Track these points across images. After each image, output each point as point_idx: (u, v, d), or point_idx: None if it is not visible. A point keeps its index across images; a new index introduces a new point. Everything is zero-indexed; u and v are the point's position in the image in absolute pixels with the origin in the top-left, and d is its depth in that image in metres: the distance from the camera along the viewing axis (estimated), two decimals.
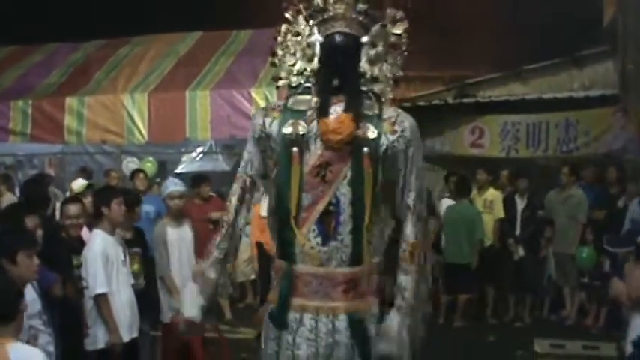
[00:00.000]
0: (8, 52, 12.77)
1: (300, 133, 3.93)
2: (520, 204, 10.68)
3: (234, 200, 4.22)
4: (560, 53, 14.13)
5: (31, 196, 7.07)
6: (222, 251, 4.29)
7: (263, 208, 9.70)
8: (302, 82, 4.12)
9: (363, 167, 3.87)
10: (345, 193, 3.90)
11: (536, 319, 10.63)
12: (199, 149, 15.13)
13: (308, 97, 4.05)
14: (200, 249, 9.77)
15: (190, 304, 4.24)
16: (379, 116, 3.97)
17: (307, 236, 3.92)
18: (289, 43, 4.20)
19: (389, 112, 4.03)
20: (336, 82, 3.96)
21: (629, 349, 4.97)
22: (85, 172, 12.43)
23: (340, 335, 3.92)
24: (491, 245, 10.58)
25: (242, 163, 4.28)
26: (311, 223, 3.92)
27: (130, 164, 12.94)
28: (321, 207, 3.91)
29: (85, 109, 10.34)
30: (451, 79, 15.34)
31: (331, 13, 4.00)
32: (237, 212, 4.23)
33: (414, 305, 3.98)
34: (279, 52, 4.22)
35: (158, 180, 13.53)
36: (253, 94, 9.96)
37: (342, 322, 3.93)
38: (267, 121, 4.08)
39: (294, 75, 4.15)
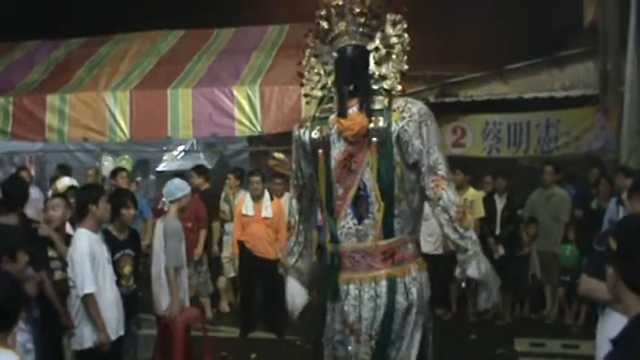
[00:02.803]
0: None
1: (325, 134, 4.63)
2: (499, 203, 10.69)
3: (294, 203, 5.05)
4: (541, 53, 14.18)
5: (10, 194, 7.01)
6: (299, 245, 5.05)
7: (246, 206, 9.76)
8: (325, 94, 4.85)
9: (378, 154, 4.49)
10: (368, 177, 4.52)
11: (517, 317, 10.64)
12: (181, 147, 15.13)
13: (331, 105, 4.72)
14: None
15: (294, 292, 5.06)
16: (389, 108, 4.55)
17: (345, 219, 4.59)
18: (312, 64, 4.95)
19: (398, 102, 4.59)
20: (351, 88, 4.61)
21: (604, 347, 4.98)
22: (64, 170, 12.38)
23: (381, 299, 4.51)
24: None
25: (293, 171, 5.04)
26: (346, 207, 4.59)
27: (106, 162, 12.89)
28: (352, 193, 4.56)
29: (67, 107, 10.32)
30: (433, 78, 15.36)
31: (336, 31, 4.70)
32: (299, 212, 5.03)
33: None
34: (306, 74, 4.98)
35: (138, 178, 13.55)
36: (235, 93, 9.98)
37: (382, 287, 4.52)
38: (302, 131, 4.79)
39: (319, 90, 4.91)
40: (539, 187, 10.92)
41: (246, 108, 9.94)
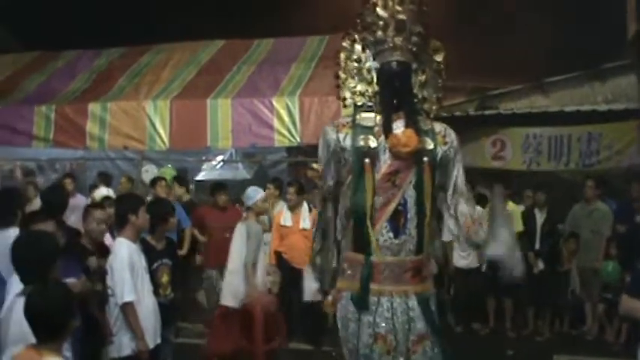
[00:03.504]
0: (32, 58, 12.88)
1: (371, 146, 4.67)
2: (539, 217, 10.58)
3: (319, 205, 5.18)
4: (583, 66, 14.04)
5: (50, 202, 7.06)
6: (318, 244, 5.13)
7: (284, 217, 9.75)
8: (365, 101, 4.88)
9: (424, 173, 4.64)
10: (411, 195, 4.64)
11: (557, 333, 10.50)
12: (220, 157, 15.12)
13: (371, 114, 4.79)
14: (216, 255, 9.89)
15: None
16: (432, 131, 4.76)
17: (381, 231, 4.64)
18: (349, 68, 4.98)
19: (438, 126, 4.82)
20: (395, 102, 4.70)
21: None
22: (104, 178, 12.48)
23: (414, 312, 4.65)
24: None
25: (325, 176, 4.99)
26: (384, 220, 4.64)
27: (148, 171, 12.95)
28: (392, 207, 4.64)
29: (108, 115, 10.40)
30: (473, 89, 15.28)
31: (390, 44, 4.71)
32: (324, 209, 5.08)
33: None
34: (342, 76, 5.00)
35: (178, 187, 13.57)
36: (274, 103, 9.98)
37: (413, 301, 4.67)
38: (341, 136, 4.78)
39: (358, 95, 4.92)
40: (580, 202, 10.78)
41: (286, 119, 9.94)
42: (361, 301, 4.71)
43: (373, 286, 4.68)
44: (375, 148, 4.67)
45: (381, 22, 4.74)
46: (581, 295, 10.59)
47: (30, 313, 3.90)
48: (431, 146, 4.67)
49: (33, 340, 3.94)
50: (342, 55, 5.02)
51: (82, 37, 13.47)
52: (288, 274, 9.55)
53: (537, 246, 10.52)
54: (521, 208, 10.72)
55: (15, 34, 18.53)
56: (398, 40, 4.69)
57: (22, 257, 4.57)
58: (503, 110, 13.13)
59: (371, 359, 4.66)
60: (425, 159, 4.63)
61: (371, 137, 4.69)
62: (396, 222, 4.63)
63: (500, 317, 10.68)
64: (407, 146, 4.55)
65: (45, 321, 3.89)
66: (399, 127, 4.63)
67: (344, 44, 5.05)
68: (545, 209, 10.63)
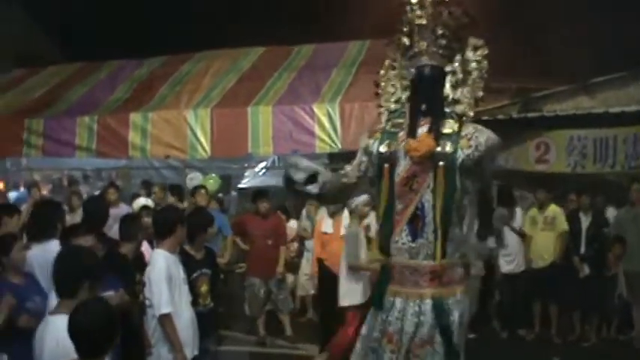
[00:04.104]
0: (75, 69, 13.01)
1: (393, 150, 4.79)
2: (585, 221, 10.42)
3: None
4: (629, 66, 13.79)
5: (91, 213, 7.10)
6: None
7: (325, 223, 9.72)
8: (398, 108, 4.99)
9: (439, 178, 4.63)
10: (428, 199, 4.68)
11: (603, 339, 10.33)
12: (262, 164, 15.16)
13: (401, 120, 4.90)
14: (258, 263, 9.90)
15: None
16: (458, 134, 4.70)
17: (400, 234, 4.74)
18: (390, 76, 5.10)
19: (468, 129, 4.75)
20: (423, 107, 4.75)
21: None
22: (147, 186, 12.58)
23: (425, 317, 4.64)
24: (554, 262, 10.34)
25: (351, 167, 5.18)
26: (403, 224, 4.73)
27: (193, 180, 13.02)
28: (410, 211, 4.72)
29: (149, 125, 10.44)
30: (517, 91, 15.09)
31: (416, 49, 4.80)
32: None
33: None
34: (382, 84, 5.13)
35: (220, 194, 13.64)
36: (315, 110, 9.94)
37: (427, 305, 4.67)
38: (371, 141, 4.97)
39: (393, 102, 5.04)
40: (625, 205, 10.59)
41: (327, 125, 9.90)
42: (377, 300, 4.90)
43: (391, 287, 4.81)
44: (395, 153, 4.79)
45: (405, 29, 4.87)
46: (629, 300, 10.41)
47: (73, 331, 3.90)
48: (449, 149, 4.66)
49: (68, 357, 3.95)
50: (386, 63, 5.15)
51: (124, 48, 13.58)
52: (330, 281, 9.49)
53: (582, 250, 10.35)
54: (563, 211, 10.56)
55: (59, 45, 18.79)
56: (423, 45, 4.77)
57: (59, 272, 4.57)
58: (546, 112, 12.94)
59: (377, 353, 4.79)
60: (440, 163, 4.63)
61: (394, 142, 4.83)
62: (415, 226, 4.72)
63: (545, 323, 10.53)
64: (417, 151, 4.63)
65: (89, 338, 3.88)
66: (423, 131, 4.71)
67: (388, 52, 5.15)
68: (590, 213, 10.46)
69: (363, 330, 4.97)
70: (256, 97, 10.48)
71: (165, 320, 6.00)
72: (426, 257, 4.70)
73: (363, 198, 8.35)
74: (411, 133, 4.72)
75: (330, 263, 9.51)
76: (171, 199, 11.34)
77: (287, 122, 10.07)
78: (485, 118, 12.49)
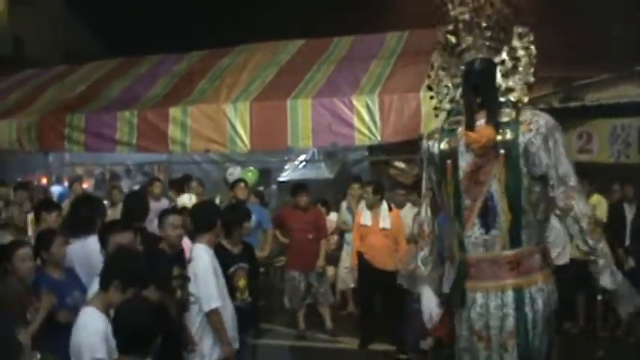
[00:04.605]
0: (115, 64, 13.12)
1: (453, 146, 4.79)
2: (629, 212, 10.20)
3: (428, 212, 5.15)
4: None
5: (130, 208, 7.11)
6: (433, 255, 5.14)
7: (364, 216, 9.66)
8: (454, 107, 5.00)
9: (503, 166, 4.61)
10: (496, 188, 4.64)
11: None
12: (302, 157, 15.14)
13: (459, 117, 4.88)
14: (298, 256, 9.88)
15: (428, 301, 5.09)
16: (516, 120, 4.66)
17: (472, 229, 4.71)
18: (441, 77, 5.11)
19: (526, 114, 4.70)
20: (478, 100, 4.73)
21: None
22: (188, 179, 12.61)
23: (508, 308, 4.62)
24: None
25: (423, 183, 5.20)
26: (474, 217, 4.70)
27: (232, 174, 13.02)
28: (479, 203, 4.69)
29: (189, 119, 10.50)
30: (560, 80, 14.89)
31: (464, 45, 4.82)
32: (432, 221, 5.14)
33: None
34: (434, 87, 5.14)
35: (261, 188, 13.64)
36: (354, 102, 9.91)
37: (509, 297, 4.63)
38: (430, 143, 4.97)
39: (448, 102, 5.05)
40: None
41: (366, 117, 9.87)
42: (457, 298, 4.86)
43: (470, 283, 4.77)
44: (455, 149, 4.78)
45: (450, 27, 4.88)
46: None
47: (118, 328, 3.90)
48: (510, 137, 4.62)
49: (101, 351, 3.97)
50: (435, 65, 5.15)
51: (163, 42, 13.66)
52: (370, 275, 9.45)
53: (627, 242, 10.16)
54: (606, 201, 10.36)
55: (100, 40, 18.98)
56: (469, 40, 4.78)
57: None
58: (589, 102, 12.74)
59: (470, 353, 4.78)
60: (502, 151, 4.60)
61: (453, 139, 4.82)
62: (486, 218, 4.67)
63: (591, 316, 10.36)
64: (478, 142, 4.60)
65: (133, 336, 3.89)
66: (481, 123, 4.69)
67: (435, 54, 5.17)
68: (635, 204, 10.25)
69: (457, 339, 4.94)
70: (295, 90, 10.49)
71: (215, 314, 5.99)
72: (502, 247, 4.67)
73: None
74: (470, 126, 4.71)
75: (369, 256, 9.45)
76: (172, 193, 11.27)
77: (326, 115, 10.06)
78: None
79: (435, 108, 5.18)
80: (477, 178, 4.69)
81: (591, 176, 10.17)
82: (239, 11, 18.45)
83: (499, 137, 4.61)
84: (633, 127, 11.73)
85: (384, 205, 9.50)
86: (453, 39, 4.89)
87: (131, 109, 10.86)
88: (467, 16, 4.75)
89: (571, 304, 10.21)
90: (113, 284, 4.45)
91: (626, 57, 14.10)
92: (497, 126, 4.64)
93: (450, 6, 4.83)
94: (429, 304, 5.04)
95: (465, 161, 4.74)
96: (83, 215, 6.61)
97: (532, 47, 4.85)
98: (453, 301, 4.93)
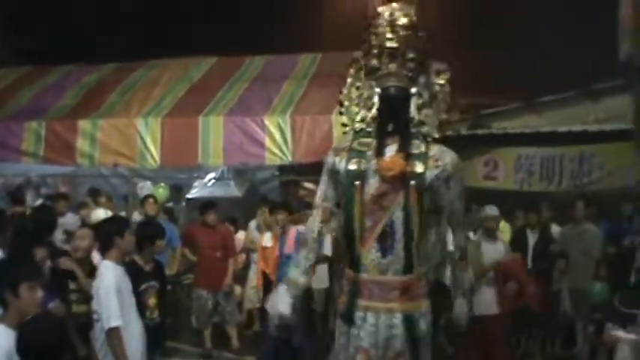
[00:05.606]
0: (23, 73, 12.81)
1: (362, 168, 4.88)
2: (532, 238, 10.51)
3: (317, 222, 5.18)
4: (576, 86, 14.03)
5: (41, 223, 6.97)
6: (308, 262, 5.17)
7: (265, 239, 9.77)
8: (364, 127, 5.09)
9: (411, 196, 4.75)
10: (398, 216, 4.79)
11: (548, 355, 10.39)
12: (211, 174, 15.08)
13: (369, 139, 4.99)
14: (206, 275, 9.85)
15: (282, 302, 5.09)
16: (425, 154, 4.85)
17: (370, 251, 4.85)
18: (353, 95, 5.19)
19: (434, 149, 4.90)
20: (390, 127, 4.89)
21: None
22: (95, 193, 12.40)
23: (396, 329, 4.80)
24: None
25: (319, 193, 5.26)
26: (372, 240, 4.84)
27: (143, 189, 12.88)
28: (379, 228, 4.82)
29: (98, 132, 10.31)
30: (467, 106, 15.23)
31: (385, 71, 4.90)
32: (319, 232, 5.19)
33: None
34: (346, 104, 5.22)
35: (170, 204, 13.53)
36: (266, 122, 9.95)
37: (397, 319, 4.81)
38: (337, 159, 5.05)
39: (358, 122, 5.13)
40: (569, 223, 10.72)
41: (277, 137, 9.90)
42: (348, 316, 4.94)
43: (362, 302, 4.89)
44: (365, 171, 4.87)
45: (375, 50, 4.95)
46: (572, 316, 10.51)
47: (22, 348, 3.81)
48: (420, 170, 4.78)
49: None
50: (348, 82, 5.23)
51: (73, 53, 13.43)
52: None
53: (529, 266, 10.42)
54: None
55: (10, 47, 18.54)
56: (392, 67, 4.88)
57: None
58: (495, 130, 13.10)
59: None
60: (412, 182, 4.75)
61: (363, 161, 4.91)
62: (384, 242, 4.82)
63: None
64: (390, 170, 4.75)
65: (38, 353, 3.81)
66: (391, 150, 4.84)
67: (351, 71, 5.24)
68: (537, 230, 10.56)
69: (340, 352, 5.03)
70: (207, 107, 10.44)
71: (114, 334, 5.82)
72: (396, 273, 4.84)
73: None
74: (379, 152, 4.85)
75: (273, 277, 9.49)
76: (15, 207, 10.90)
77: (238, 133, 10.05)
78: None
79: (344, 125, 5.27)
80: (380, 204, 4.83)
81: (496, 202, 10.42)
82: (151, 25, 18.27)
83: (409, 168, 4.77)
84: (537, 156, 12.15)
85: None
86: (376, 62, 4.96)
87: (39, 119, 10.61)
88: (395, 44, 4.85)
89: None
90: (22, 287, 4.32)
91: (531, 88, 14.55)
92: (408, 156, 4.80)
93: (379, 30, 4.92)
94: (281, 300, 5.08)
95: (371, 185, 4.86)
96: None
97: (448, 85, 5.04)
98: (343, 319, 5.02)
